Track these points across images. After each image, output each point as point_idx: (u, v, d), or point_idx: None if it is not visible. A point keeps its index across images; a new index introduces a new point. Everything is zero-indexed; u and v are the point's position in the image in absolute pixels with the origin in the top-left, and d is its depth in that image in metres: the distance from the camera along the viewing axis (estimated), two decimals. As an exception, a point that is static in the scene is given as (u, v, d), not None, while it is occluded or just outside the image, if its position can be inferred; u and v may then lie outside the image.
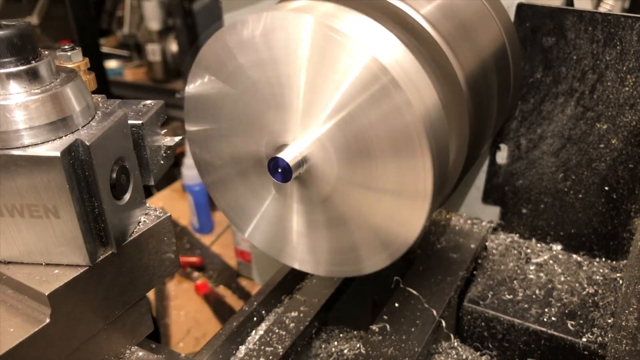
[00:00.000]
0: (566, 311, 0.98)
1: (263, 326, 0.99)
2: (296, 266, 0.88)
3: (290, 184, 0.78)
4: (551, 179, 1.10)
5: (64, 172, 0.57)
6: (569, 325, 0.95)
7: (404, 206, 0.72)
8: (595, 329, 0.94)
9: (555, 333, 0.94)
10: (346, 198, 0.75)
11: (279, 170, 0.71)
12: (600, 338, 0.92)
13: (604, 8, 1.08)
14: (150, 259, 0.71)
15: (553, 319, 0.97)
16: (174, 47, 3.18)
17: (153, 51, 3.20)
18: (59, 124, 0.59)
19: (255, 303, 0.99)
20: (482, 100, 0.88)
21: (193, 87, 0.80)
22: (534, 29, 1.01)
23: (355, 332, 1.03)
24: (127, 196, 0.66)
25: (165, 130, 0.76)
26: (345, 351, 0.98)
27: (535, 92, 1.05)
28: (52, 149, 0.57)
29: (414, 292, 0.97)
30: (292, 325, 0.96)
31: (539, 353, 0.98)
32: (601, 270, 1.08)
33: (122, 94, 3.15)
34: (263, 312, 1.00)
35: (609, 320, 0.95)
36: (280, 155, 0.71)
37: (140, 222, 0.70)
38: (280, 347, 0.92)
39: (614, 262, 1.10)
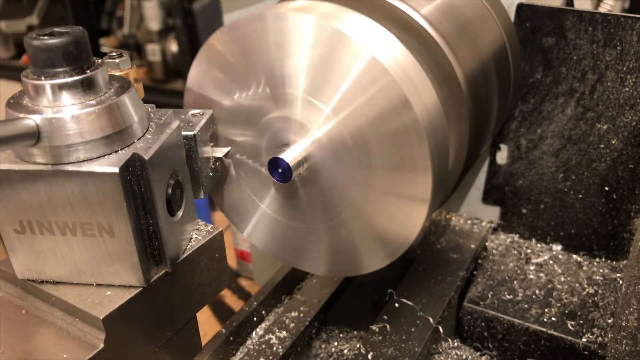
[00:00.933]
0: (566, 311, 0.98)
1: (263, 326, 0.99)
2: (296, 266, 0.88)
3: (290, 184, 0.78)
4: (551, 179, 1.10)
5: (122, 188, 0.53)
6: (569, 325, 0.95)
7: (404, 206, 0.72)
8: (595, 329, 0.94)
9: (555, 333, 0.94)
10: (346, 198, 0.75)
11: (279, 170, 0.71)
12: (600, 338, 0.92)
13: (604, 8, 1.08)
14: (202, 277, 0.67)
15: (553, 319, 0.97)
16: (174, 47, 3.18)
17: (153, 51, 3.20)
18: (115, 137, 0.55)
19: (255, 303, 0.99)
20: (482, 100, 0.88)
21: (192, 86, 0.80)
22: (534, 29, 1.01)
23: (355, 332, 1.03)
24: (180, 212, 0.62)
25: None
26: (345, 351, 0.98)
27: (535, 93, 1.05)
28: (109, 164, 0.53)
29: (409, 302, 0.95)
30: (292, 325, 0.96)
31: (539, 353, 0.97)
32: (601, 271, 1.08)
33: (122, 94, 3.14)
34: (263, 312, 1.00)
35: (609, 321, 0.95)
36: (280, 155, 0.71)
37: (191, 239, 0.65)
38: (280, 347, 0.92)
39: (614, 262, 1.10)
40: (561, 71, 1.02)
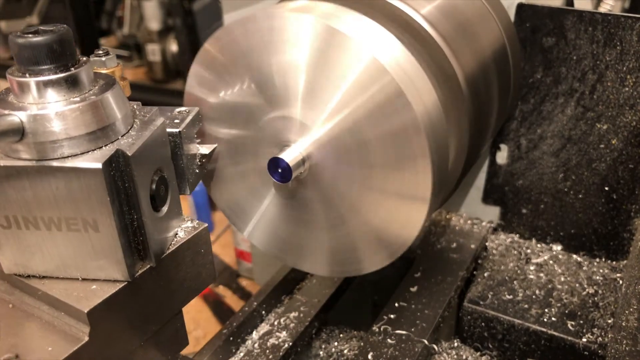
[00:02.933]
0: (566, 311, 0.98)
1: (263, 326, 0.99)
2: (296, 266, 0.88)
3: (290, 184, 0.78)
4: (551, 179, 1.10)
5: (106, 184, 0.54)
6: (569, 325, 0.95)
7: (404, 206, 0.72)
8: (596, 329, 0.94)
9: (556, 333, 0.94)
10: (346, 198, 0.75)
11: (279, 170, 0.71)
12: (600, 338, 0.92)
13: (604, 8, 1.08)
14: (187, 272, 0.68)
15: (553, 319, 0.97)
16: (174, 47, 3.18)
17: (153, 51, 3.20)
18: (99, 133, 0.56)
19: (255, 303, 0.99)
20: (482, 101, 0.88)
21: (193, 86, 0.80)
22: (534, 29, 1.01)
23: (355, 332, 1.03)
24: (165, 208, 0.63)
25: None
26: (345, 351, 0.98)
27: (535, 93, 1.05)
28: (93, 160, 0.54)
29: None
30: (292, 325, 0.96)
31: (539, 353, 0.97)
32: (601, 271, 1.08)
33: (122, 94, 3.14)
34: (263, 312, 1.00)
35: (609, 321, 0.95)
36: (281, 155, 0.71)
37: (176, 235, 0.66)
38: (280, 347, 0.92)
39: (614, 262, 1.10)
40: (561, 71, 1.02)
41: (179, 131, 0.67)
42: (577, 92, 1.02)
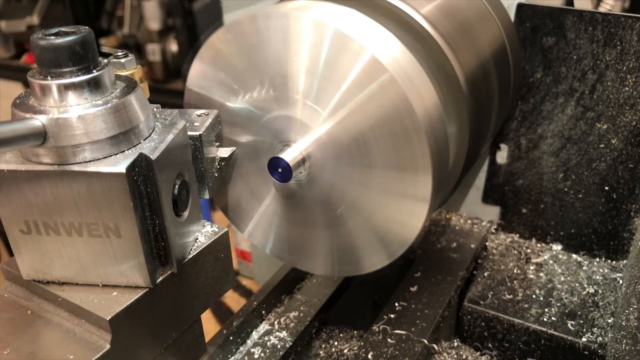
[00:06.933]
0: (566, 311, 0.98)
1: (263, 326, 0.99)
2: (296, 266, 0.88)
3: (290, 184, 0.78)
4: (551, 178, 1.10)
5: (129, 188, 0.52)
6: (569, 325, 0.95)
7: (404, 206, 0.72)
8: (595, 328, 0.94)
9: (555, 333, 0.94)
10: (346, 198, 0.75)
11: (279, 170, 0.71)
12: (600, 338, 0.92)
13: (604, 8, 1.08)
14: (207, 277, 0.66)
15: (553, 318, 0.97)
16: (174, 47, 3.17)
17: (153, 51, 3.20)
18: (121, 137, 0.54)
19: (256, 303, 0.99)
20: (482, 100, 0.88)
21: (192, 86, 0.80)
22: (534, 28, 1.01)
23: (355, 332, 1.03)
24: (186, 212, 0.62)
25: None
26: (345, 351, 0.98)
27: (535, 92, 1.05)
28: (115, 165, 0.52)
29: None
30: (292, 325, 0.96)
31: (539, 353, 0.97)
32: (601, 270, 1.08)
33: (122, 94, 3.14)
34: (263, 312, 1.00)
35: (609, 320, 0.95)
36: (280, 154, 0.71)
37: (197, 239, 0.65)
38: (280, 347, 0.92)
39: (614, 262, 1.10)
40: (561, 71, 1.02)
41: (200, 134, 0.65)
42: (577, 92, 1.02)
